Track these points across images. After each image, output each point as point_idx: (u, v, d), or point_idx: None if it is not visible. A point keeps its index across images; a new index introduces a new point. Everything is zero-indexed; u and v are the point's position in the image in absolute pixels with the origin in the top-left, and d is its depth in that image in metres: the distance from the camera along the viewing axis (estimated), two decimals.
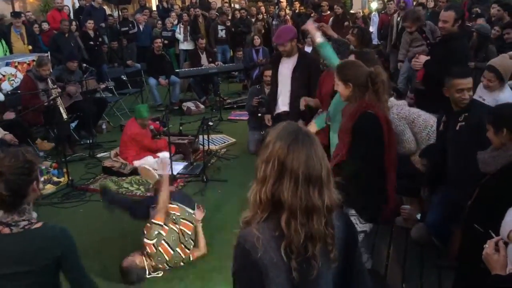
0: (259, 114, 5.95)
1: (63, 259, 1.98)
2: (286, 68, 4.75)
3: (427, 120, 4.08)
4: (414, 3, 10.58)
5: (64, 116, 6.42)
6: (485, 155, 2.80)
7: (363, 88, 2.83)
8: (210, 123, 7.56)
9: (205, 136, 6.17)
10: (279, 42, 4.58)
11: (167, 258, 3.89)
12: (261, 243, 1.46)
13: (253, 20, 12.17)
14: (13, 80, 7.53)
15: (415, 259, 3.90)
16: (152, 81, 9.25)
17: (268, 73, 5.84)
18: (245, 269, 1.48)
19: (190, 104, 9.12)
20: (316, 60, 4.76)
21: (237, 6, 13.93)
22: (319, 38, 3.73)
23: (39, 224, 1.94)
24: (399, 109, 4.11)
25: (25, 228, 1.90)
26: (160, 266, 3.90)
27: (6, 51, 8.60)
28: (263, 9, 12.92)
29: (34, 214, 4.91)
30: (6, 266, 1.87)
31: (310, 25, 3.83)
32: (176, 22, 11.87)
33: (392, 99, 4.10)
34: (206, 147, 6.19)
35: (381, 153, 2.85)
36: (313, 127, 3.85)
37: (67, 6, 11.19)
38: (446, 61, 4.31)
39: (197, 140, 6.50)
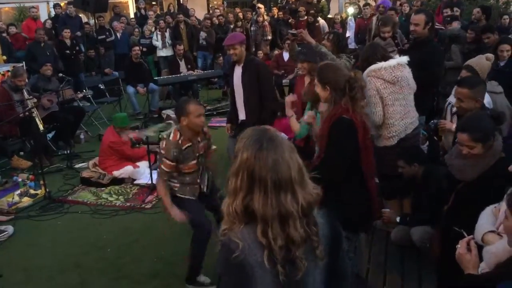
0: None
1: None
2: (237, 76, 4.74)
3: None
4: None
5: (41, 127, 6.32)
6: (459, 164, 2.82)
7: (341, 92, 2.81)
8: None
9: None
10: (229, 44, 4.58)
11: None
12: (246, 243, 1.46)
13: (231, 26, 12.18)
14: None
15: (396, 262, 3.92)
16: (130, 89, 9.17)
17: None
18: (231, 269, 1.47)
19: (169, 112, 9.04)
20: (264, 64, 4.78)
21: (217, 12, 13.89)
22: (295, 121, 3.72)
23: None
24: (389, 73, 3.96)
25: None
26: None
27: None
28: (241, 15, 12.94)
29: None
30: None
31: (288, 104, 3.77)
32: (153, 29, 11.82)
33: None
34: None
35: (357, 159, 2.85)
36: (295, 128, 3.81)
37: (40, 13, 11.06)
38: (425, 65, 4.37)
39: None
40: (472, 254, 1.97)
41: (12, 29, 9.99)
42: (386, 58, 3.89)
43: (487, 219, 2.43)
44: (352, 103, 2.78)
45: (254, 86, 4.59)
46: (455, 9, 9.40)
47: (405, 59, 3.93)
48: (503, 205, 2.38)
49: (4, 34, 9.81)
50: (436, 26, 8.08)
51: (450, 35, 6.73)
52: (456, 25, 7.71)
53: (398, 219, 3.90)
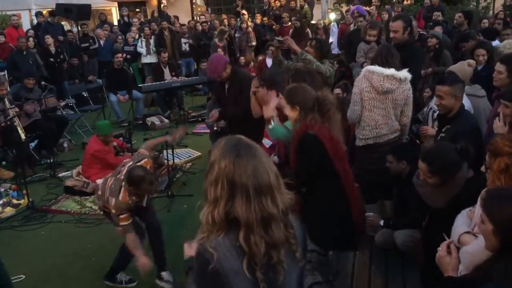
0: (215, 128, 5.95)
1: None
2: (224, 90, 4.84)
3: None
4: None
5: (23, 136, 6.25)
6: (426, 192, 2.87)
7: (310, 111, 2.92)
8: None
9: (170, 151, 6.12)
10: (215, 77, 4.68)
11: None
12: (221, 253, 1.47)
13: (215, 32, 12.20)
14: None
15: (381, 264, 3.95)
16: (112, 97, 9.11)
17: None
18: (206, 278, 1.49)
19: (154, 119, 9.02)
20: (248, 76, 4.87)
21: (203, 18, 13.92)
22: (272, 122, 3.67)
23: None
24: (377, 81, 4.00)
25: None
26: None
27: None
28: (226, 22, 12.99)
29: None
30: None
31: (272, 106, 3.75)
32: (137, 36, 11.79)
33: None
34: (171, 162, 6.14)
35: (331, 169, 2.90)
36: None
37: (22, 21, 10.96)
38: (406, 67, 4.43)
39: (161, 155, 6.42)
40: (452, 256, 2.01)
41: (1, 38, 9.85)
42: (388, 64, 3.92)
43: (463, 221, 2.49)
44: (325, 118, 2.88)
45: (237, 97, 4.63)
46: (436, 13, 9.58)
47: (404, 74, 3.94)
48: (477, 208, 2.44)
49: None
50: (419, 31, 8.22)
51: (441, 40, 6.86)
52: (438, 30, 7.85)
53: (382, 222, 3.92)
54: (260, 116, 4.57)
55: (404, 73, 3.94)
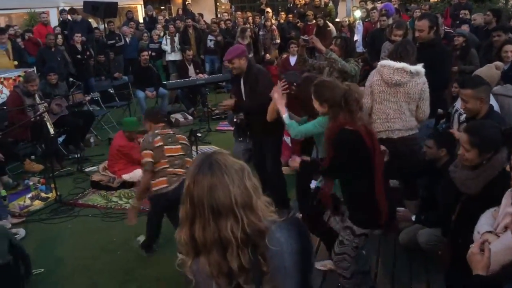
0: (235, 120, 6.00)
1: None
2: (241, 86, 4.79)
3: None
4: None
5: (51, 131, 6.39)
6: (461, 175, 2.83)
7: (339, 107, 2.92)
8: (199, 134, 7.60)
9: (194, 147, 6.17)
10: (226, 59, 4.67)
11: None
12: (200, 278, 1.46)
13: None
14: None
15: (405, 264, 3.93)
16: (140, 93, 9.24)
17: None
18: None
19: (178, 116, 9.12)
20: (262, 70, 4.83)
21: (225, 16, 13.98)
22: (286, 118, 3.69)
23: None
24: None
25: None
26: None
27: None
28: (250, 19, 13.01)
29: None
30: None
31: (280, 104, 3.77)
32: (162, 33, 11.91)
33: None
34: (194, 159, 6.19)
35: (368, 166, 2.89)
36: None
37: (51, 18, 11.18)
38: (432, 67, 4.37)
39: None
40: (484, 256, 1.97)
41: (29, 35, 10.09)
42: (401, 60, 3.90)
43: (486, 220, 2.49)
44: (350, 116, 2.87)
45: (255, 94, 4.63)
46: (463, 11, 9.41)
47: (416, 68, 3.91)
48: (502, 208, 2.42)
49: (19, 39, 9.93)
50: (445, 30, 8.10)
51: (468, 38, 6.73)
52: (465, 28, 7.72)
53: (413, 217, 3.79)
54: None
55: (417, 67, 3.91)
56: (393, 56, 3.98)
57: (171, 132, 4.15)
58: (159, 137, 4.01)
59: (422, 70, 3.94)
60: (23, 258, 3.82)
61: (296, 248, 1.52)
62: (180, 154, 4.06)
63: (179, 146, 4.09)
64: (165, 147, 3.99)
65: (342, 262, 3.14)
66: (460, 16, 9.37)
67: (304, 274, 1.56)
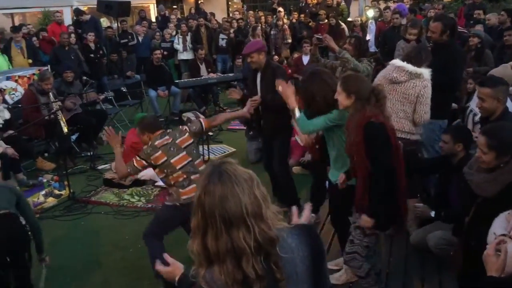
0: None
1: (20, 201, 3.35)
2: (258, 81, 4.79)
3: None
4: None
5: (65, 129, 6.45)
6: (477, 178, 2.80)
7: (365, 101, 2.92)
8: (210, 133, 7.61)
9: (205, 146, 6.20)
10: (245, 53, 4.65)
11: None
12: (212, 286, 1.46)
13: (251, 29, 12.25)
14: (14, 94, 7.57)
15: (416, 265, 3.91)
16: (152, 92, 9.30)
17: None
18: None
19: (190, 114, 9.11)
20: (280, 67, 4.86)
21: (236, 14, 14.01)
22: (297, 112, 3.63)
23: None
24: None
25: None
26: None
27: (9, 65, 8.66)
28: (263, 19, 13.01)
29: None
30: None
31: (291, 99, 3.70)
32: (174, 33, 11.96)
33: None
34: (206, 157, 6.22)
35: (391, 160, 2.92)
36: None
37: (64, 17, 11.28)
38: (445, 69, 4.37)
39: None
40: (500, 258, 1.95)
41: (44, 34, 10.21)
42: (412, 63, 3.92)
43: (500, 224, 2.45)
44: (377, 111, 2.89)
45: (272, 87, 4.63)
46: (477, 11, 9.32)
47: (417, 69, 3.91)
48: None
49: (34, 38, 10.04)
50: (459, 30, 8.03)
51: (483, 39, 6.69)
52: (480, 28, 7.65)
53: (432, 213, 3.75)
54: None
55: (418, 69, 3.90)
56: (406, 58, 3.99)
57: (171, 140, 3.76)
58: (159, 152, 3.67)
59: (425, 73, 3.92)
60: (34, 230, 3.53)
61: (308, 253, 1.54)
62: (189, 161, 3.76)
63: (185, 153, 3.75)
64: (171, 160, 3.68)
65: (353, 261, 3.15)
66: (474, 16, 9.29)
67: (316, 278, 1.56)
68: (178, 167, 3.69)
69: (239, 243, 1.41)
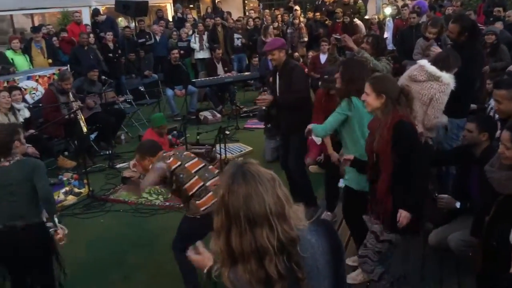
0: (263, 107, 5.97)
1: (34, 173, 3.21)
2: (276, 80, 4.82)
3: None
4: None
5: (84, 128, 6.55)
6: (499, 176, 2.76)
7: (395, 101, 2.92)
8: (227, 132, 7.63)
9: (222, 145, 6.23)
10: (266, 50, 4.67)
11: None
12: (239, 286, 1.48)
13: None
14: (34, 93, 7.72)
15: (434, 266, 3.88)
16: (169, 92, 9.37)
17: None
18: None
19: (207, 113, 9.21)
20: (298, 66, 4.90)
21: (252, 13, 14.02)
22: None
23: (20, 158, 3.29)
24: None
25: (16, 160, 3.24)
26: None
27: (29, 65, 8.81)
28: (279, 17, 12.99)
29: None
30: (2, 180, 3.18)
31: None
32: (190, 32, 12.03)
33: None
34: (223, 156, 6.25)
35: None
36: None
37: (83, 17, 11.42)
38: (462, 69, 4.34)
39: (214, 149, 6.57)
40: None
41: (64, 34, 10.38)
42: (434, 62, 3.94)
43: None
44: (407, 111, 2.92)
45: (288, 86, 4.65)
46: (497, 8, 9.20)
47: (437, 72, 3.90)
48: None
49: (54, 38, 10.19)
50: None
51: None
52: (499, 26, 7.55)
53: (458, 204, 3.64)
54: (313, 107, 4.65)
55: (438, 72, 3.88)
56: (433, 61, 3.98)
57: (178, 152, 3.76)
58: (172, 158, 3.59)
59: (445, 78, 3.90)
60: (44, 202, 3.38)
61: (327, 247, 1.56)
62: (204, 166, 3.68)
63: (197, 159, 3.70)
64: (186, 164, 3.58)
65: (364, 264, 3.14)
66: (494, 13, 9.17)
67: (336, 272, 1.58)
68: (193, 171, 3.58)
69: (262, 242, 1.43)
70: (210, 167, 3.80)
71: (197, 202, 3.51)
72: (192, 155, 3.78)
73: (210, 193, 3.49)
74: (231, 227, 1.46)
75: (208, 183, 3.56)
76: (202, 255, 1.82)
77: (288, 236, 1.45)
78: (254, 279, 1.44)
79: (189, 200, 3.56)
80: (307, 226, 1.55)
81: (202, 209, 3.49)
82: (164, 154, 3.66)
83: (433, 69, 3.88)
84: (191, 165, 3.61)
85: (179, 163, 3.57)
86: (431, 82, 3.89)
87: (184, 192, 3.56)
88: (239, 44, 11.83)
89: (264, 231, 1.43)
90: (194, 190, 3.53)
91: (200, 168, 3.62)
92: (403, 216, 2.89)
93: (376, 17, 12.21)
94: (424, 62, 3.96)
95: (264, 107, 5.02)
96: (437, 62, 3.96)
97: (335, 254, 1.58)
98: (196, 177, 3.56)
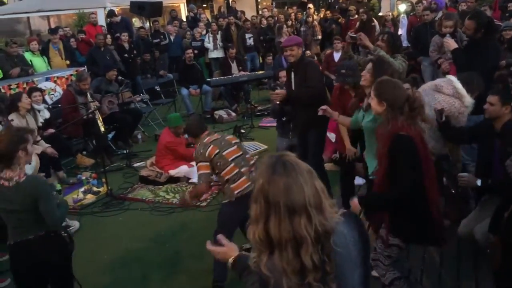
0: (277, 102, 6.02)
1: (39, 200, 2.91)
2: (292, 76, 4.87)
3: None
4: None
5: (102, 128, 6.65)
6: None
7: (398, 110, 2.79)
8: (242, 131, 7.69)
9: None
10: (286, 45, 4.73)
11: None
12: (276, 274, 1.50)
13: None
14: (53, 94, 7.85)
15: (452, 262, 3.87)
16: (184, 91, 9.45)
17: (283, 73, 5.91)
18: None
19: (222, 112, 9.27)
20: (312, 62, 5.11)
21: (266, 13, 14.04)
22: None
23: (23, 178, 2.91)
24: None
25: (16, 181, 2.88)
26: None
27: (47, 67, 8.96)
28: (293, 16, 12.99)
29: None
30: (6, 205, 2.91)
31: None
32: (204, 32, 12.10)
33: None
34: None
35: (420, 176, 2.78)
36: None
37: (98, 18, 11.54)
38: (478, 66, 4.34)
39: None
40: None
41: (82, 35, 10.54)
42: (461, 81, 3.99)
43: None
44: (409, 121, 2.77)
45: (303, 81, 4.69)
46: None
47: (462, 93, 3.91)
48: None
49: (72, 39, 10.34)
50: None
51: None
52: None
53: (479, 182, 3.52)
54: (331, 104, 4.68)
55: (466, 92, 3.89)
56: (460, 79, 3.98)
57: (219, 137, 3.90)
58: (211, 146, 3.76)
59: (467, 101, 3.89)
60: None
61: (358, 237, 1.62)
62: (241, 154, 3.84)
63: (236, 147, 3.86)
64: (223, 152, 3.75)
65: (376, 268, 3.11)
66: (509, 8, 9.06)
67: (366, 262, 1.64)
68: (230, 159, 3.76)
69: (300, 231, 1.46)
70: (248, 155, 3.99)
71: (231, 186, 3.73)
72: (233, 141, 3.95)
73: (244, 177, 3.73)
74: (269, 215, 1.49)
75: (243, 170, 3.78)
76: (226, 247, 1.86)
77: (323, 228, 1.49)
78: (289, 268, 1.48)
79: (225, 185, 3.78)
80: (340, 218, 1.59)
81: (236, 192, 3.71)
82: (205, 141, 3.83)
83: (460, 87, 3.87)
84: (229, 152, 3.80)
85: (217, 150, 3.75)
86: (454, 98, 3.91)
87: (221, 178, 3.78)
88: (251, 44, 11.87)
89: (302, 220, 1.47)
90: (230, 176, 3.74)
91: (237, 157, 3.82)
92: (353, 204, 2.91)
93: (390, 14, 12.12)
94: (453, 78, 3.96)
95: (277, 102, 5.06)
96: (464, 82, 3.94)
97: (364, 244, 1.64)
98: (232, 164, 3.76)
